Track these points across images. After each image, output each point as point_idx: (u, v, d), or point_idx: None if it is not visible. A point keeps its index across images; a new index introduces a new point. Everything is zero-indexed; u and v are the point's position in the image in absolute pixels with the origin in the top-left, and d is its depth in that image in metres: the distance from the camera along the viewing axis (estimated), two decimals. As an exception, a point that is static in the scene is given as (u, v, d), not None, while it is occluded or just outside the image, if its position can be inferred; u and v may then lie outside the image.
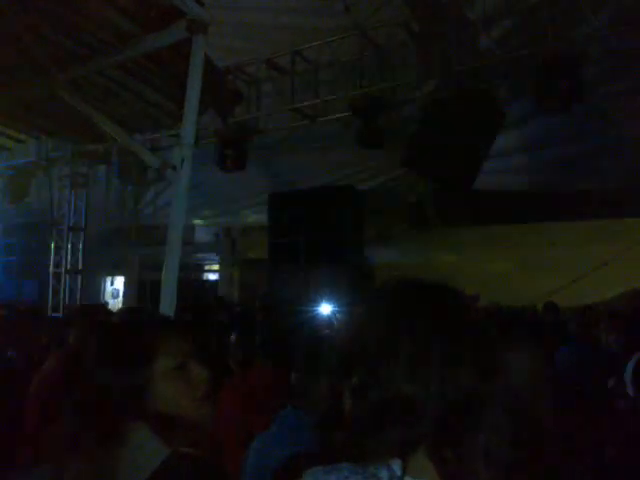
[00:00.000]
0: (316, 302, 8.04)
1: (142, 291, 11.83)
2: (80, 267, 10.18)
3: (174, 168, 3.98)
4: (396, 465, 0.91)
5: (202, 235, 12.90)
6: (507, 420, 0.95)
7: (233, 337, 3.22)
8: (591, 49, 5.10)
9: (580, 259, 9.43)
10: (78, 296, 9.97)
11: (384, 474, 0.90)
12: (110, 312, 3.82)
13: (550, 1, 4.94)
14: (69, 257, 10.09)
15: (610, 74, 5.44)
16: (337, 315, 6.94)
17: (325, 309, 8.01)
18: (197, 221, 11.54)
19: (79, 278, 10.11)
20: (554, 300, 7.98)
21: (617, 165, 7.17)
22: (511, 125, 6.27)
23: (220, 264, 12.92)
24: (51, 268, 10.03)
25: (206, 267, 14.01)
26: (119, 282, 13.73)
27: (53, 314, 9.12)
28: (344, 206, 8.75)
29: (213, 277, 13.75)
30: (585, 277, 9.26)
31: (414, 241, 9.54)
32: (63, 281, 9.99)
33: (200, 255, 13.10)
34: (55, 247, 10.09)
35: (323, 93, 6.83)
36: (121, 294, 13.53)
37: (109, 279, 13.81)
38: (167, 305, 3.01)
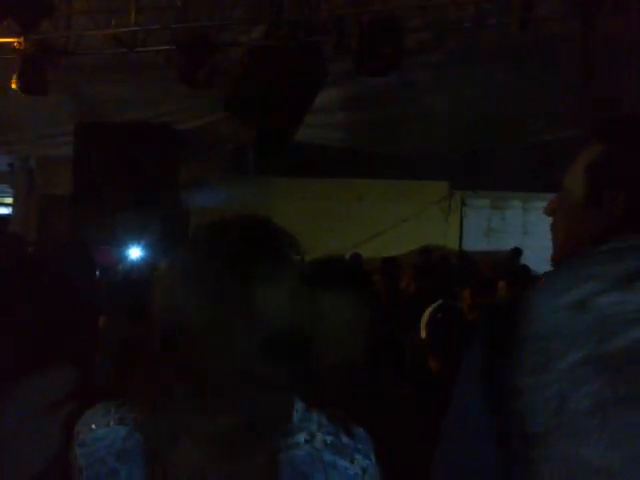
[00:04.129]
0: (125, 245, 7.68)
1: None
2: None
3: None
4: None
5: (-8, 164, 11.43)
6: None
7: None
8: (412, 19, 5.42)
9: (383, 215, 10.27)
10: None
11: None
12: None
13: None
14: None
15: (426, 46, 5.85)
16: (147, 259, 6.71)
17: (134, 253, 7.69)
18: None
19: None
20: (359, 252, 8.63)
21: (421, 131, 7.80)
22: (334, 82, 6.45)
23: (14, 198, 11.62)
24: None
25: (-5, 200, 12.54)
26: None
27: None
28: (159, 145, 8.36)
29: (5, 212, 12.36)
30: (386, 232, 10.12)
31: (230, 187, 9.49)
32: None
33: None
34: None
35: (143, 21, 6.32)
36: None
37: None
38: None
